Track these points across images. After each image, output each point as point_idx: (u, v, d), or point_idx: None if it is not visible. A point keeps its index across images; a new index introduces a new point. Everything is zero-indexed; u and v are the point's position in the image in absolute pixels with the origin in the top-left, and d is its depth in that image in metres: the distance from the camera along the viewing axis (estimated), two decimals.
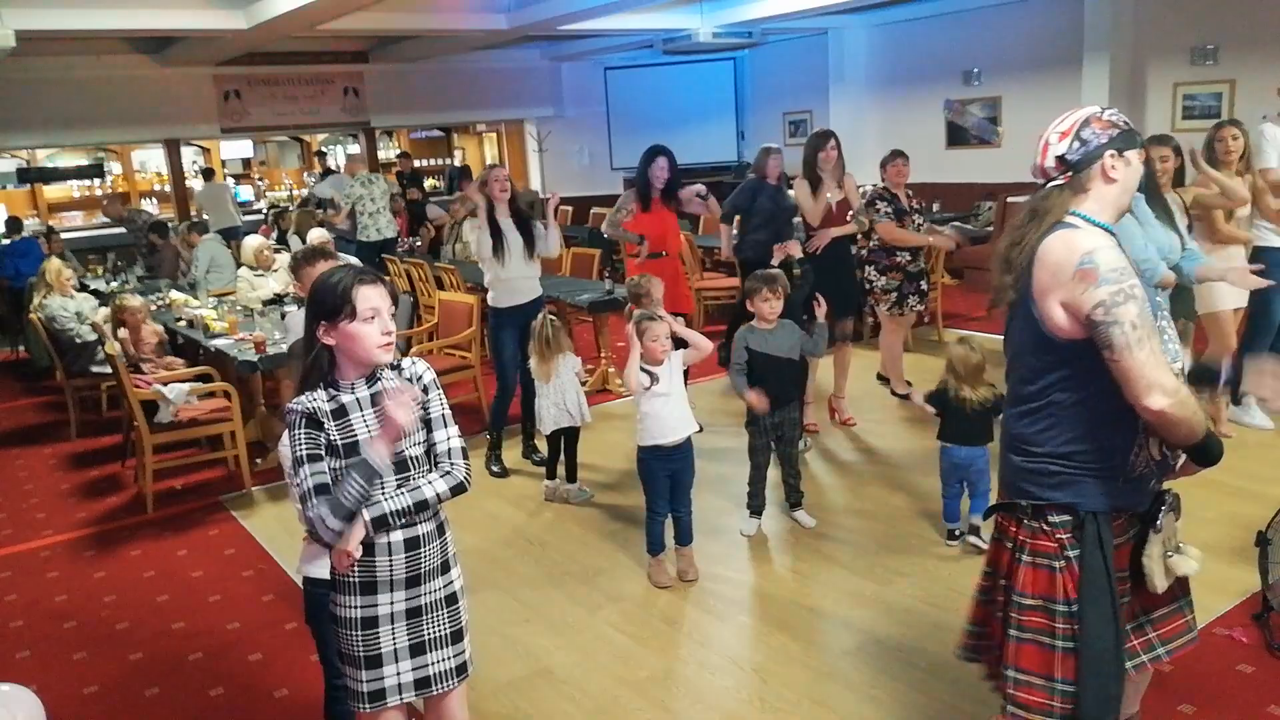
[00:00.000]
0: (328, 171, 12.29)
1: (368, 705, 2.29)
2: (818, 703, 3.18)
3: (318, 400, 2.20)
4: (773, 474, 4.52)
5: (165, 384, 5.49)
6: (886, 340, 6.30)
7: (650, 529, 4.11)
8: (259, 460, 5.78)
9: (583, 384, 5.07)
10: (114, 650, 3.87)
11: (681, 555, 4.14)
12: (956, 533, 4.24)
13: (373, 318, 2.19)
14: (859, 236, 6.11)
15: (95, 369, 6.90)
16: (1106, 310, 1.99)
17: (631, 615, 3.85)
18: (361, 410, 2.22)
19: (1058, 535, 2.17)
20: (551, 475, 5.09)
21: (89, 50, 10.24)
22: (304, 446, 2.17)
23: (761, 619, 3.77)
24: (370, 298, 2.18)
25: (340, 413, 2.20)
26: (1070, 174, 2.15)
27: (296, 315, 3.78)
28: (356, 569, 2.23)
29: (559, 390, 4.83)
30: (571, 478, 5.07)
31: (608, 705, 3.25)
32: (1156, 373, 1.99)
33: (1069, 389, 2.12)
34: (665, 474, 4.03)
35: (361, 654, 2.27)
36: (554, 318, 4.94)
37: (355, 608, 2.26)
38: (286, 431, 2.22)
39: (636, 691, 3.31)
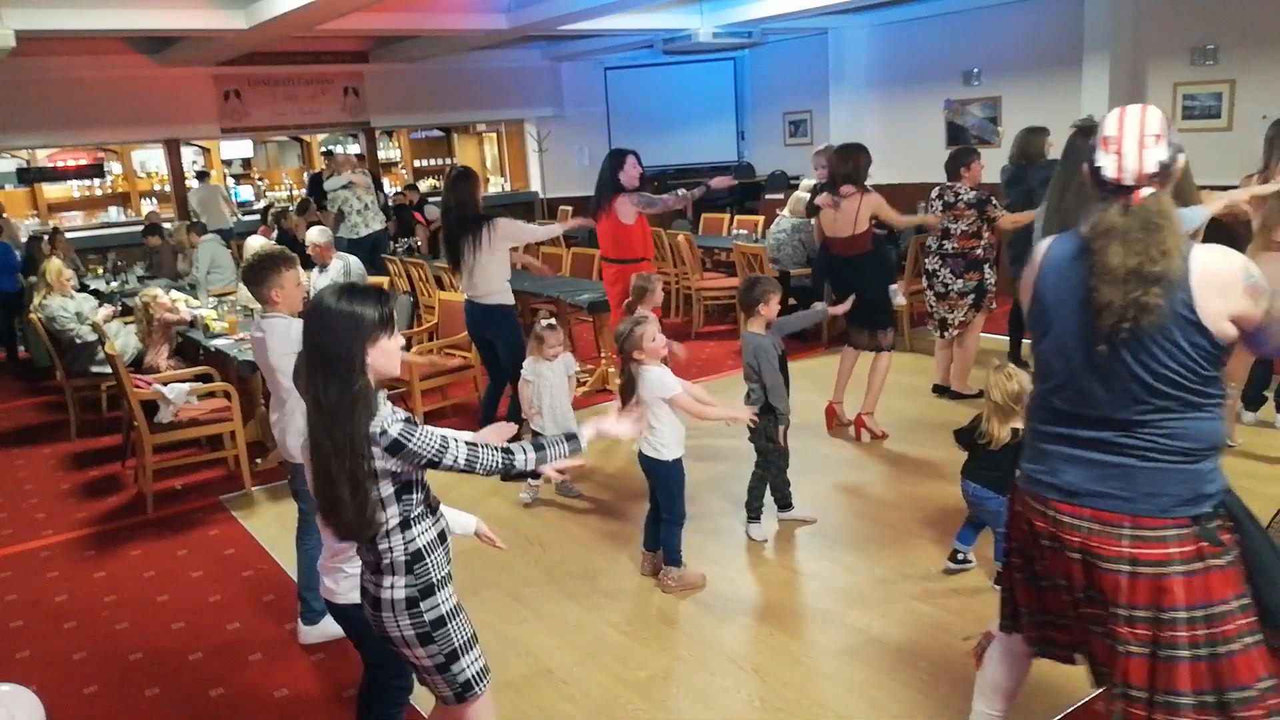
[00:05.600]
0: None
1: (485, 679, 2.38)
2: (818, 703, 3.18)
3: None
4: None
5: (165, 384, 5.50)
6: (968, 341, 6.19)
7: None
8: (259, 460, 5.78)
9: (581, 384, 5.05)
10: (114, 650, 3.87)
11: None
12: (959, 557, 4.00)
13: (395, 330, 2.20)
14: (929, 240, 6.29)
15: (95, 369, 6.90)
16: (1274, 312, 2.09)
17: (631, 615, 3.85)
18: None
19: (1224, 535, 2.22)
20: (535, 476, 5.09)
21: (89, 50, 10.23)
22: (436, 433, 2.19)
23: (761, 619, 3.78)
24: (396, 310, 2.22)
25: None
26: (1160, 179, 2.10)
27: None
28: (418, 572, 2.28)
29: (550, 394, 4.84)
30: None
31: (608, 705, 3.25)
32: None
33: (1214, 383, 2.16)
34: (649, 477, 4.05)
35: (468, 633, 2.36)
36: (552, 319, 4.93)
37: (448, 599, 2.32)
38: (405, 435, 2.14)
39: (636, 691, 3.32)
